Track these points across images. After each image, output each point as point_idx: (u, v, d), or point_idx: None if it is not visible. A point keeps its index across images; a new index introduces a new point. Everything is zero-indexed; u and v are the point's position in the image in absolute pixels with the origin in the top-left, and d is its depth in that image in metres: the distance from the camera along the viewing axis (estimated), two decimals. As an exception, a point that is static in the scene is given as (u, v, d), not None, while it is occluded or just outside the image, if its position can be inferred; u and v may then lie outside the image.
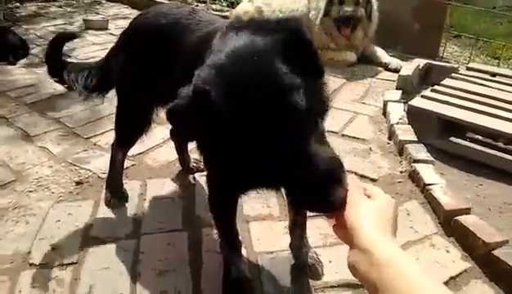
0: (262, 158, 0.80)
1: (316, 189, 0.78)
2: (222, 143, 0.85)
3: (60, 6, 5.98)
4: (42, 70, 3.50)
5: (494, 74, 3.14)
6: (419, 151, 2.18)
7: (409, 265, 0.68)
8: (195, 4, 5.45)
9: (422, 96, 2.65)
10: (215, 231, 1.48)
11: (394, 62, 3.74)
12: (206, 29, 1.38)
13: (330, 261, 1.58)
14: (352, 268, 0.73)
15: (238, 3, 4.67)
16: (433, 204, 1.86)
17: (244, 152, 0.81)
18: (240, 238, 1.50)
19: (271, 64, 0.81)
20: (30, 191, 1.96)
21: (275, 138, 0.78)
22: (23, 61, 3.70)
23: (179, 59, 1.41)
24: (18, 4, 5.82)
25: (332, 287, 1.49)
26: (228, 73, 0.80)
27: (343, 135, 2.54)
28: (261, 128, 0.78)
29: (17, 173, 2.09)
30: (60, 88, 3.11)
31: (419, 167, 2.05)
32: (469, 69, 3.27)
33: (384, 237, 0.73)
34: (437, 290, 0.64)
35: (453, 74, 3.06)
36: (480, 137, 2.50)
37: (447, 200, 1.79)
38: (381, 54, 3.87)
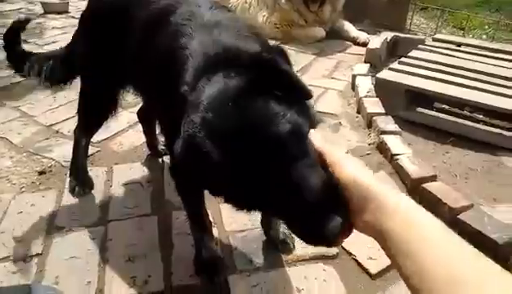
0: (255, 193, 0.78)
1: (308, 224, 0.74)
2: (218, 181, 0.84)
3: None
4: (-1, 58, 3.34)
5: (459, 44, 3.19)
6: (387, 123, 2.20)
7: (418, 212, 0.66)
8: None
9: (389, 69, 2.66)
10: (185, 213, 1.45)
11: (362, 36, 3.74)
12: (161, 2, 1.33)
13: (302, 236, 1.58)
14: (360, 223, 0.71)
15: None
16: (400, 173, 1.89)
17: (239, 188, 0.80)
18: (210, 217, 1.48)
19: (248, 105, 0.79)
20: (-10, 184, 1.87)
21: (264, 173, 0.75)
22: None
23: (135, 35, 1.35)
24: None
25: (304, 260, 1.49)
26: (210, 124, 0.80)
27: (312, 111, 2.53)
28: (251, 166, 0.75)
29: (-25, 166, 1.99)
30: (19, 76, 2.98)
31: (386, 138, 2.07)
32: (434, 39, 3.31)
33: (385, 185, 0.71)
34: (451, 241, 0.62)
35: (420, 46, 3.09)
36: (446, 107, 2.54)
37: (414, 168, 1.82)
38: (349, 28, 3.86)
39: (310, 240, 0.78)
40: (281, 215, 0.81)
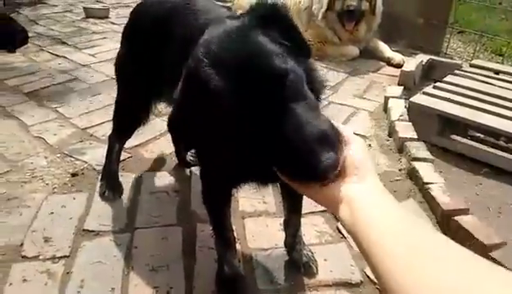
0: (250, 128, 0.79)
1: (302, 153, 0.74)
2: (213, 124, 0.86)
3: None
4: (42, 58, 3.48)
5: (497, 72, 3.10)
6: (419, 149, 2.15)
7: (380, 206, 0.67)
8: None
9: (423, 93, 2.61)
10: (210, 227, 1.45)
11: (397, 57, 3.70)
12: (202, 20, 1.35)
13: (325, 259, 1.56)
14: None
15: (240, -6, 4.60)
16: (431, 203, 1.84)
17: (234, 126, 0.81)
18: (234, 233, 1.48)
19: (252, 40, 0.83)
20: (24, 182, 1.94)
21: (261, 105, 0.77)
22: (22, 49, 3.67)
23: (174, 50, 1.38)
24: (19, -10, 5.78)
25: (326, 285, 1.47)
26: (211, 55, 0.82)
27: (342, 131, 2.50)
28: (247, 97, 0.77)
29: (12, 163, 2.07)
30: (59, 77, 3.10)
31: (418, 165, 2.02)
32: (472, 65, 3.23)
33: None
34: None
35: (456, 71, 3.02)
36: (481, 136, 2.47)
37: (446, 200, 1.76)
38: (384, 48, 3.82)
39: (302, 173, 0.76)
40: (276, 152, 0.79)
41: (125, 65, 1.71)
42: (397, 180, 2.06)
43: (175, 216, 1.77)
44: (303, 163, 0.74)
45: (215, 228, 1.44)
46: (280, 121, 0.76)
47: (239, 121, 0.79)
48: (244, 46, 0.81)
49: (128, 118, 1.82)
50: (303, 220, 1.53)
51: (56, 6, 5.27)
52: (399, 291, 0.52)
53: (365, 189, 0.70)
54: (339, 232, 1.70)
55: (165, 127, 2.26)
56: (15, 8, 4.93)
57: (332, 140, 0.75)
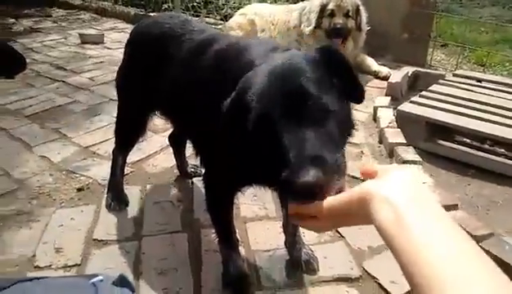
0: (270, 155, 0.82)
1: (290, 170, 0.74)
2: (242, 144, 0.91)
3: (55, 22, 6.08)
4: (41, 83, 3.58)
5: (480, 80, 3.25)
6: (409, 152, 2.27)
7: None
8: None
9: (410, 102, 2.74)
10: (213, 232, 1.53)
11: (384, 70, 3.85)
12: (197, 39, 1.47)
13: (325, 257, 1.64)
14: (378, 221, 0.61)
15: (231, 16, 4.78)
16: (422, 202, 1.93)
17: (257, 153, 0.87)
18: (237, 236, 1.56)
19: (304, 74, 0.87)
20: (32, 198, 2.01)
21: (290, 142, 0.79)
22: (20, 75, 3.76)
23: (171, 67, 1.50)
24: (14, 20, 5.93)
25: (327, 281, 1.55)
26: (262, 78, 0.89)
27: (335, 140, 2.62)
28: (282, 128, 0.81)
29: (19, 182, 2.14)
30: (58, 100, 3.20)
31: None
32: (455, 75, 3.39)
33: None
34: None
35: (440, 81, 3.17)
36: (467, 140, 2.59)
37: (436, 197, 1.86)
38: (371, 62, 3.98)
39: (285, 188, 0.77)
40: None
41: (125, 79, 1.82)
42: (389, 182, 2.16)
43: (180, 224, 1.84)
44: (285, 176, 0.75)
45: (219, 232, 1.52)
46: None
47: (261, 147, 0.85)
48: (293, 84, 0.85)
49: (128, 131, 1.92)
50: (301, 220, 1.62)
51: (51, 33, 5.40)
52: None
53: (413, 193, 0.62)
54: (337, 232, 1.79)
55: (165, 143, 2.37)
56: (12, 37, 5.05)
57: (325, 164, 0.74)
